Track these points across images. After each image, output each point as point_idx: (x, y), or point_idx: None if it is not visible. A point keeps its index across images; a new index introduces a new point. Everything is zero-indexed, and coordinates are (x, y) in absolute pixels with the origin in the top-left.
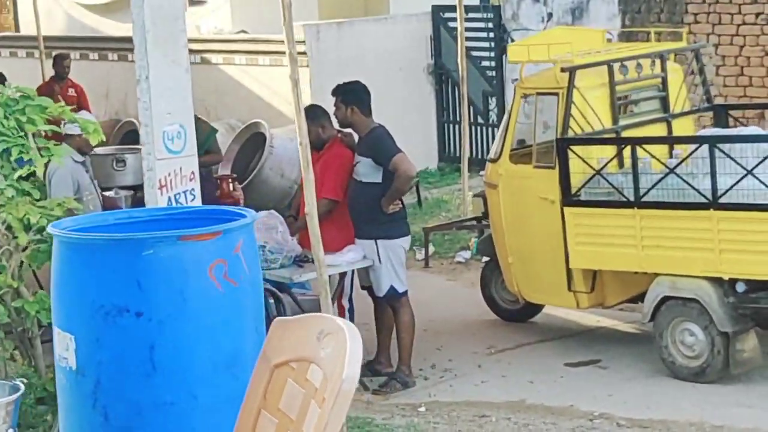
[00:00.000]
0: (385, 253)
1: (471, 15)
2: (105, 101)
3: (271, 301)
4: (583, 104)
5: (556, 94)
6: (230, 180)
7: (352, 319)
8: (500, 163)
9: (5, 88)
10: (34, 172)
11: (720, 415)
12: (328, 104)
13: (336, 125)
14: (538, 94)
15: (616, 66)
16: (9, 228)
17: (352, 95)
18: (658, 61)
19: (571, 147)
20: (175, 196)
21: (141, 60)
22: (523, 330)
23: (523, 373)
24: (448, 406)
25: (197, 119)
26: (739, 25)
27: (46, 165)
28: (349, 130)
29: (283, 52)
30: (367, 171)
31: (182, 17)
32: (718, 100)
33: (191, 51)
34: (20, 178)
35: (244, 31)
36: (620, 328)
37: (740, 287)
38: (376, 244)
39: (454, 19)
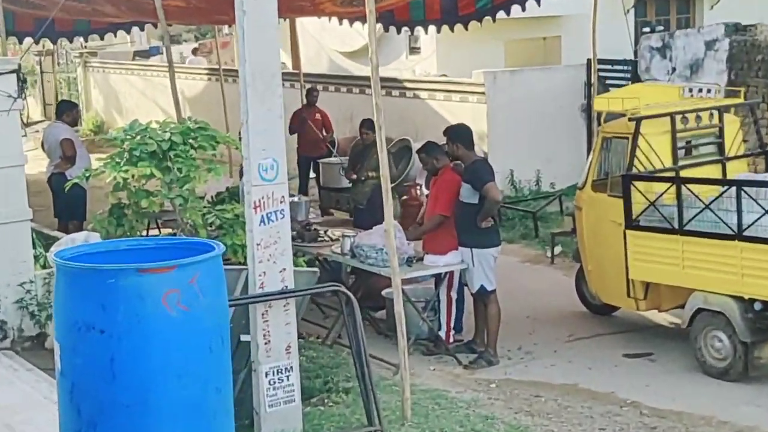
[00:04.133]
0: (477, 259)
1: (616, 66)
2: (349, 123)
3: None
4: (647, 148)
5: (627, 138)
6: (417, 186)
7: (460, 308)
8: (585, 191)
9: (186, 120)
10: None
11: (730, 412)
12: (499, 132)
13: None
14: (614, 137)
15: (679, 117)
16: (192, 226)
17: (456, 135)
18: (716, 113)
19: (633, 182)
20: (267, 214)
21: (243, 107)
22: (603, 322)
23: (587, 360)
24: (515, 384)
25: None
26: None
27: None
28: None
29: (468, 92)
30: (466, 194)
31: (278, 75)
32: None
33: (407, 89)
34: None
35: (444, 75)
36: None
37: (758, 306)
38: (471, 251)
39: (604, 69)
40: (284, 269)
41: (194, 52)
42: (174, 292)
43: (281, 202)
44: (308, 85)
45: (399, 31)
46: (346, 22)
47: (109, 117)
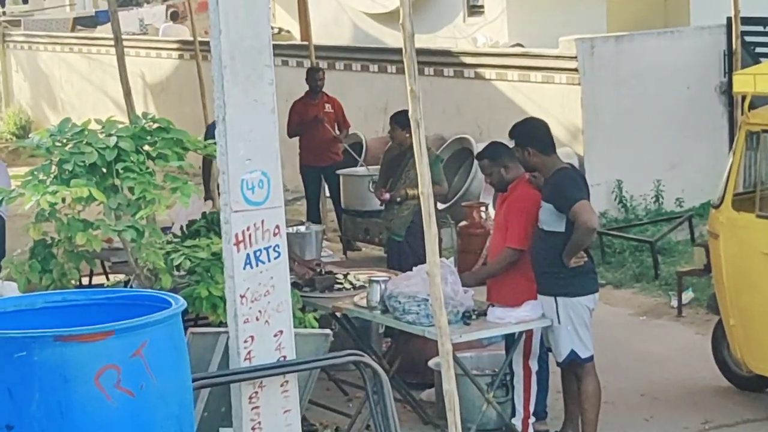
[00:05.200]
0: (565, 312)
1: None
2: (383, 116)
3: None
4: None
5: None
6: (481, 208)
7: (543, 384)
8: (722, 210)
9: (140, 118)
10: None
11: None
12: (600, 126)
13: None
14: (764, 131)
15: None
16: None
17: (526, 136)
18: None
19: None
20: (255, 252)
21: (219, 99)
22: (754, 402)
23: None
24: None
25: None
26: None
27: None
28: None
29: (555, 68)
30: (548, 218)
31: (268, 51)
32: None
33: (465, 66)
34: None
35: (519, 45)
36: None
37: None
38: (556, 301)
39: (752, 33)
40: (281, 332)
41: (173, 17)
42: (112, 370)
43: (276, 234)
44: (320, 63)
45: None
46: None
47: (38, 113)
